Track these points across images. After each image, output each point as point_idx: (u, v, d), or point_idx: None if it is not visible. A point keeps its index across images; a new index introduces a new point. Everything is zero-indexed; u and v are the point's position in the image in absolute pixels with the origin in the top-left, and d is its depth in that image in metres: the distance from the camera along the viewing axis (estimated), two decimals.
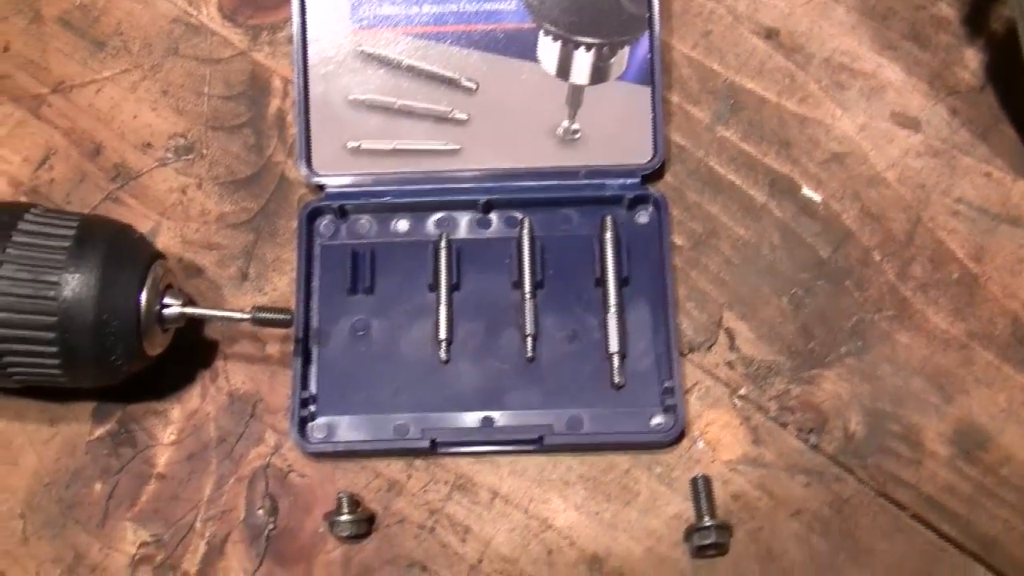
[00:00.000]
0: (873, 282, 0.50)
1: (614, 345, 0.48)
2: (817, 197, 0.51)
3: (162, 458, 0.48)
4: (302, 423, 0.47)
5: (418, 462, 0.47)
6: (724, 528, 0.46)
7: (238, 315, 0.46)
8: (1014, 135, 0.52)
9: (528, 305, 0.48)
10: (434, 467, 0.47)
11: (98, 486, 0.47)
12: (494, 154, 0.50)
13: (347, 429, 0.47)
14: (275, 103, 0.53)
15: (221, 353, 0.49)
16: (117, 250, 0.44)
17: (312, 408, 0.47)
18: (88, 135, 0.53)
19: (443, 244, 0.49)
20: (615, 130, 0.50)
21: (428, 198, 0.50)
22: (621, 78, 0.51)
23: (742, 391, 0.48)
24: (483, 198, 0.50)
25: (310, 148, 0.50)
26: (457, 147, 0.50)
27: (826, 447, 0.48)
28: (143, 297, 0.44)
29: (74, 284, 0.43)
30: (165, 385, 0.49)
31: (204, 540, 0.47)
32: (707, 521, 0.46)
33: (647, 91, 0.50)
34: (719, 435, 0.48)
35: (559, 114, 0.51)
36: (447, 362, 0.48)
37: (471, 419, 0.47)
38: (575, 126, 0.50)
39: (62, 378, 0.44)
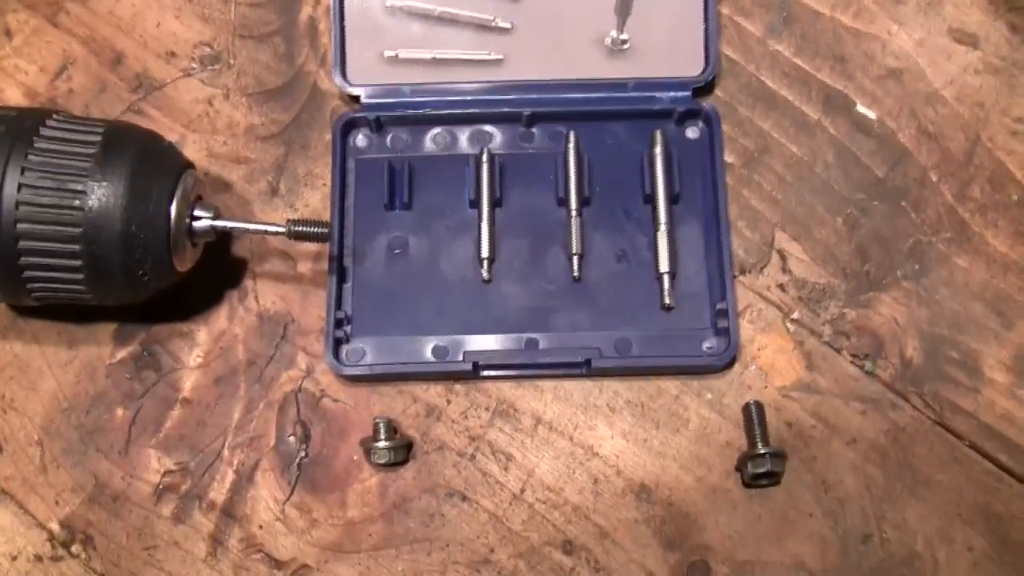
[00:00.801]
0: (930, 203, 0.49)
1: (664, 265, 0.46)
2: (872, 114, 0.50)
3: (188, 382, 0.46)
4: (336, 345, 0.45)
5: (458, 386, 0.46)
6: (779, 456, 0.44)
7: (273, 228, 0.44)
8: None
9: (574, 223, 0.47)
10: (475, 392, 0.46)
11: (120, 411, 0.46)
12: (539, 65, 0.49)
13: (384, 351, 0.45)
14: (307, 10, 0.51)
15: (250, 272, 0.48)
16: (145, 158, 0.42)
17: (347, 329, 0.46)
18: (108, 43, 0.51)
19: (485, 158, 0.48)
20: (666, 41, 0.49)
21: (469, 110, 0.49)
22: None
23: (795, 315, 0.47)
24: (527, 110, 0.48)
25: (345, 56, 0.48)
26: (500, 57, 0.49)
27: (882, 373, 0.46)
28: (173, 208, 0.42)
29: (100, 193, 0.41)
30: (191, 305, 0.47)
31: (232, 468, 0.45)
32: (760, 449, 0.44)
33: (699, 1, 0.48)
34: (772, 360, 0.46)
35: (608, 23, 0.49)
36: (489, 281, 0.47)
37: (514, 341, 0.46)
38: (624, 36, 0.49)
39: (86, 294, 0.42)
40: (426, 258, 0.47)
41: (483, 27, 0.48)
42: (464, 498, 0.45)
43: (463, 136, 0.49)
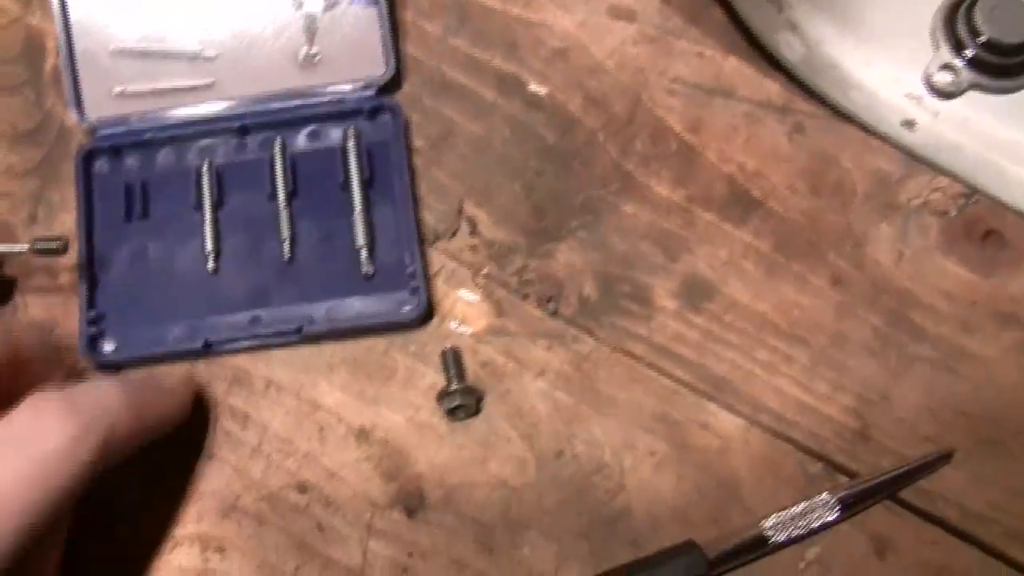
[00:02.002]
0: (599, 161, 0.55)
1: (360, 240, 0.53)
2: (543, 91, 0.56)
3: None
4: (91, 340, 0.52)
5: (200, 365, 0.52)
6: (469, 391, 0.50)
7: (17, 248, 0.51)
8: (722, 16, 0.57)
9: (283, 214, 0.54)
10: (214, 366, 0.52)
11: None
12: (244, 84, 0.55)
13: (132, 342, 0.52)
14: (51, 61, 0.58)
15: (20, 287, 0.54)
16: None
17: (101, 326, 0.53)
18: None
19: (204, 168, 0.55)
20: (350, 50, 0.55)
21: (189, 130, 0.56)
22: (352, 3, 0.56)
23: (485, 271, 0.53)
24: (237, 124, 0.55)
25: (80, 95, 0.55)
26: (211, 81, 0.56)
27: (564, 312, 0.53)
28: None
29: None
30: None
31: None
32: (454, 386, 0.51)
33: (374, 11, 0.55)
34: (466, 311, 0.53)
35: (299, 41, 0.56)
36: (216, 272, 0.54)
37: (240, 319, 0.53)
38: (315, 50, 0.56)
39: None
40: (163, 259, 0.54)
41: (194, 58, 0.56)
42: (212, 456, 0.51)
43: (189, 153, 0.56)
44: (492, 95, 0.56)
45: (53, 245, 0.51)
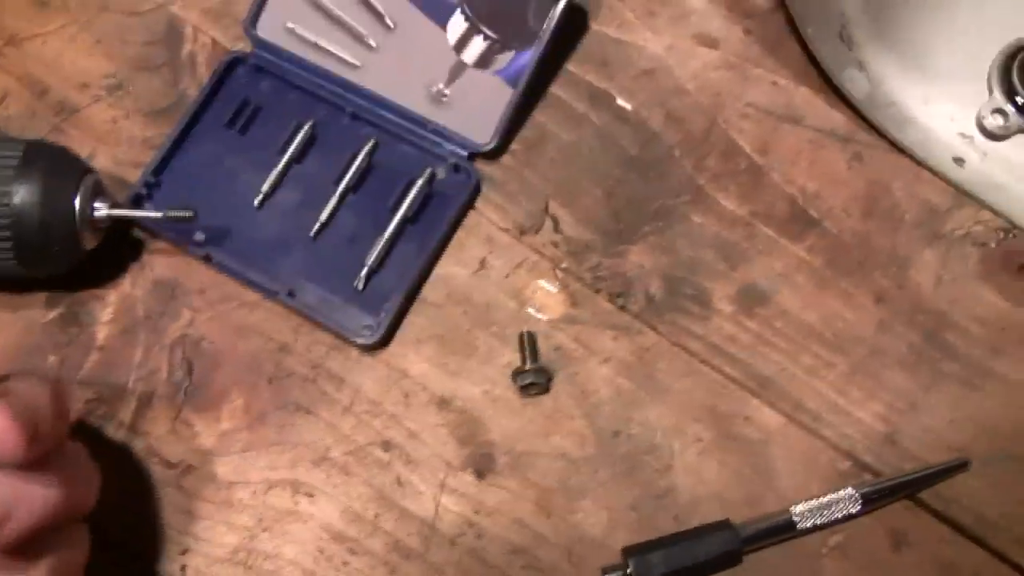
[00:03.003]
0: (674, 173, 0.60)
1: (370, 260, 0.58)
2: (629, 106, 0.62)
3: (102, 334, 0.58)
4: (137, 197, 0.60)
5: (304, 327, 0.59)
6: (541, 371, 0.56)
7: (153, 214, 0.58)
8: (798, 50, 0.62)
9: (333, 201, 0.60)
10: (316, 333, 0.58)
11: (52, 358, 0.58)
12: (380, 81, 0.61)
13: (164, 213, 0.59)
14: (187, 47, 0.64)
15: (147, 248, 0.60)
16: (55, 166, 0.55)
17: (151, 192, 0.61)
18: (36, 79, 0.63)
19: (307, 126, 0.61)
20: (472, 108, 0.60)
21: (319, 91, 0.62)
22: (497, 73, 0.61)
23: (564, 265, 0.59)
24: (351, 109, 0.61)
25: (260, 13, 0.63)
26: (359, 63, 0.62)
27: (631, 307, 0.58)
28: (77, 202, 0.55)
29: (22, 193, 0.54)
30: (102, 276, 0.59)
31: (135, 396, 0.57)
32: (529, 365, 0.57)
33: (510, 93, 0.61)
34: (544, 300, 0.58)
35: (439, 76, 0.61)
36: (259, 208, 0.61)
37: (243, 250, 0.60)
38: (447, 91, 0.61)
39: (18, 268, 0.55)
40: (228, 172, 0.61)
41: (359, 39, 0.62)
42: (308, 411, 0.57)
43: (305, 106, 0.62)
44: (584, 107, 0.62)
45: (185, 214, 0.57)
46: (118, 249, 0.60)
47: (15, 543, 0.43)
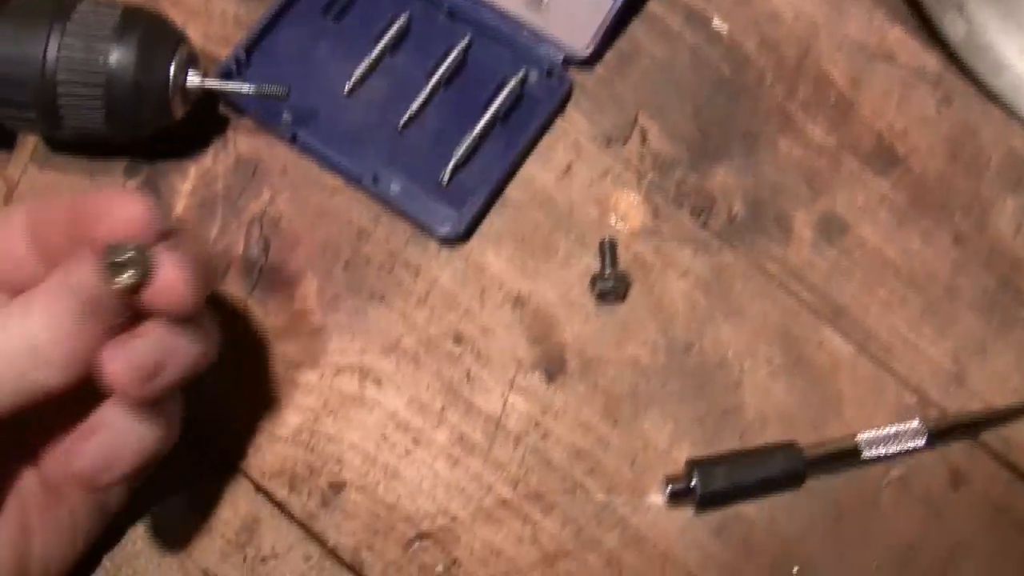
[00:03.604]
0: (764, 98, 0.61)
1: (457, 155, 0.58)
2: (724, 28, 0.62)
3: (180, 205, 0.58)
4: (226, 71, 0.61)
5: (384, 216, 0.59)
6: (620, 278, 0.56)
7: (245, 87, 0.58)
8: None
9: (423, 94, 0.60)
10: (396, 222, 0.58)
11: None
12: None
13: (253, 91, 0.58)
14: None
15: (231, 125, 0.60)
16: (151, 30, 0.55)
17: (241, 68, 0.60)
18: None
19: (402, 18, 0.61)
20: (571, 16, 0.61)
21: None
22: None
23: (649, 177, 0.59)
24: (448, 5, 0.61)
25: None
26: None
27: (713, 225, 0.59)
28: (171, 67, 0.55)
29: (117, 54, 0.54)
30: (184, 149, 0.59)
31: None
32: (608, 272, 0.57)
33: (610, 2, 0.61)
34: (627, 210, 0.59)
35: None
36: (348, 95, 0.60)
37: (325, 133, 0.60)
38: None
39: (104, 127, 0.56)
40: (322, 59, 0.61)
41: None
42: (382, 298, 0.58)
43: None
44: (679, 25, 0.62)
45: (277, 91, 0.57)
46: (202, 124, 0.60)
47: (159, 396, 0.43)
